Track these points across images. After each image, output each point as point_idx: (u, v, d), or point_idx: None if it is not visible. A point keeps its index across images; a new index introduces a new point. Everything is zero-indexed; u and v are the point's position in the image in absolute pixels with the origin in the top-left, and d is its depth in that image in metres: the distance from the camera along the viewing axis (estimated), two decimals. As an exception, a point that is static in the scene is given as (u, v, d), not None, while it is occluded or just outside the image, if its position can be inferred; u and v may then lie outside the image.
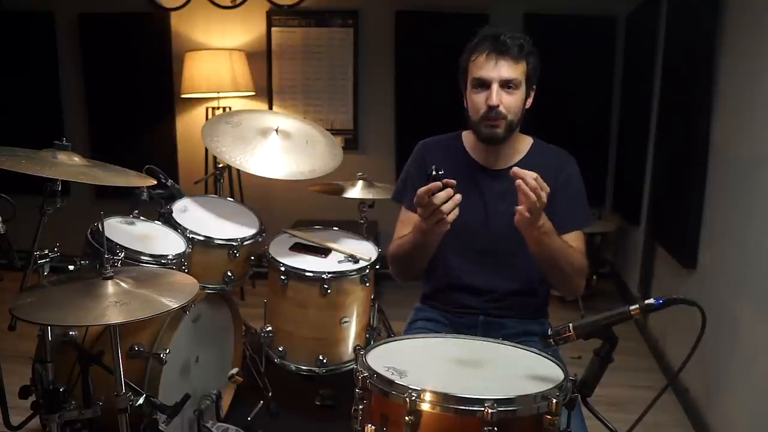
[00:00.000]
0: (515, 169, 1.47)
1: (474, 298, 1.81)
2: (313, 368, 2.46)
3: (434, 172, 1.47)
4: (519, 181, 1.45)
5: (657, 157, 3.54)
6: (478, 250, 1.78)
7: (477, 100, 1.68)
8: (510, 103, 1.66)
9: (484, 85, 1.66)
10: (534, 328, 1.82)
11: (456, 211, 1.50)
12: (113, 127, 4.65)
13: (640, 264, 3.78)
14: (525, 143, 1.83)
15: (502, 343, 1.46)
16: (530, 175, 1.45)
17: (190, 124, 4.64)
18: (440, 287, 1.87)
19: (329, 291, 2.36)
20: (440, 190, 1.47)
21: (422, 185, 1.49)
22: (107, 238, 1.82)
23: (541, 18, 4.24)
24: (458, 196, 1.49)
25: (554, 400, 1.14)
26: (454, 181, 1.48)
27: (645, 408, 1.26)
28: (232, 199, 3.25)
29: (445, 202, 1.47)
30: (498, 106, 1.64)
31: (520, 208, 1.48)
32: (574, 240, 1.72)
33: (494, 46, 1.64)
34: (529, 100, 1.74)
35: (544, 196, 1.45)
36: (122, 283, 1.52)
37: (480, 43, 1.68)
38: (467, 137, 1.86)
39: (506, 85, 1.65)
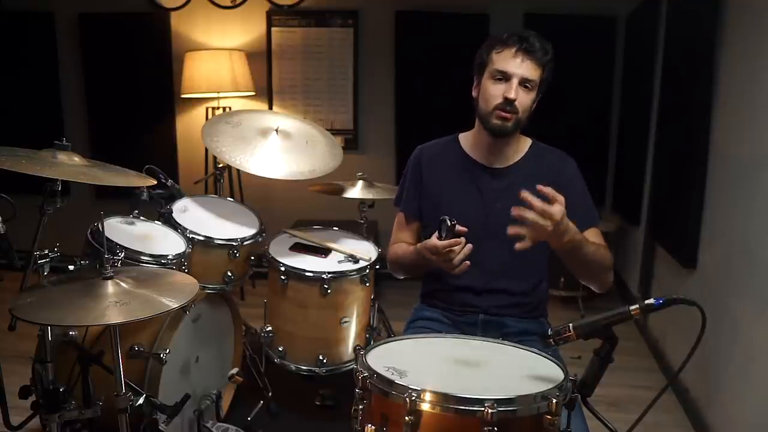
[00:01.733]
0: (524, 193, 1.43)
1: (473, 296, 1.81)
2: (313, 368, 2.46)
3: (449, 224, 1.56)
4: (525, 212, 1.42)
5: (657, 157, 3.54)
6: (476, 248, 1.78)
7: (493, 91, 1.69)
8: (524, 101, 1.69)
9: (504, 78, 1.68)
10: (533, 326, 1.83)
11: (467, 263, 1.59)
12: (113, 127, 4.65)
13: (640, 264, 3.78)
14: (524, 143, 1.84)
15: (502, 343, 1.46)
16: (537, 201, 1.41)
17: (190, 124, 4.64)
18: (439, 286, 1.87)
19: (329, 291, 2.36)
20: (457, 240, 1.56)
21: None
22: (107, 238, 1.82)
23: (541, 18, 4.22)
24: (469, 246, 1.57)
25: (554, 400, 1.14)
26: (465, 229, 1.57)
27: (645, 408, 1.26)
28: (232, 199, 3.24)
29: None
30: (515, 100, 1.66)
31: (519, 245, 1.46)
32: (594, 237, 1.71)
33: (522, 44, 1.67)
34: (534, 105, 1.76)
35: (549, 224, 1.41)
36: (122, 283, 1.52)
37: (508, 37, 1.70)
38: (465, 138, 1.87)
39: (525, 83, 1.68)
